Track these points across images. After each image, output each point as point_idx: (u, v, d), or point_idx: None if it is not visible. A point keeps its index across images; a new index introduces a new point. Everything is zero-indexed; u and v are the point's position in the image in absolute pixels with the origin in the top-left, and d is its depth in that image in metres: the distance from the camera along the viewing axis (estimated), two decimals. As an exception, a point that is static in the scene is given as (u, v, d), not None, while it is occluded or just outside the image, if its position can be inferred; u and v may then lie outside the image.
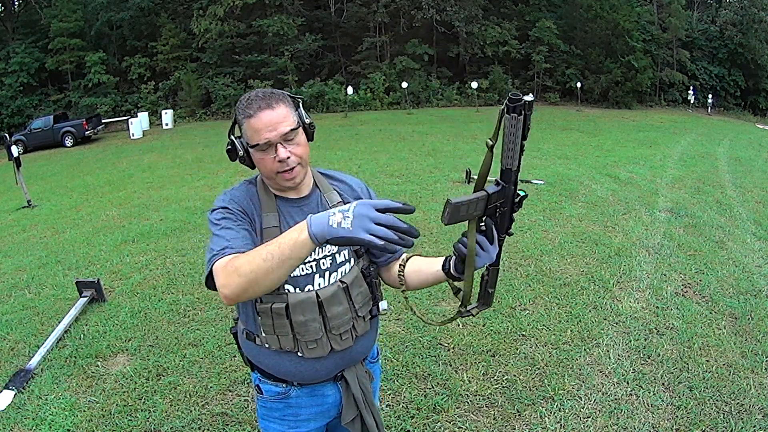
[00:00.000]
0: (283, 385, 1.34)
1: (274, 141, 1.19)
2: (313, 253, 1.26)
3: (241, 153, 1.26)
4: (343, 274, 1.32)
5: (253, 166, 1.28)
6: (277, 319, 1.24)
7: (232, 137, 1.27)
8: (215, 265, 1.14)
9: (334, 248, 1.31)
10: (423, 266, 1.31)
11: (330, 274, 1.30)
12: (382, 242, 0.94)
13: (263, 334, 1.27)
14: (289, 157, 1.21)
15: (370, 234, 0.94)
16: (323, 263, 1.30)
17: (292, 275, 1.24)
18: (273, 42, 22.58)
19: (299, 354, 1.28)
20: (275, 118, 1.19)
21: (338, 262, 1.32)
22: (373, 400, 1.41)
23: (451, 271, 1.19)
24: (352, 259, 1.35)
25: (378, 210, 0.95)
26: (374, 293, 1.38)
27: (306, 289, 1.26)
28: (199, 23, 22.11)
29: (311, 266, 1.28)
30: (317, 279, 1.28)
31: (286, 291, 1.25)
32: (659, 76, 25.22)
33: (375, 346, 1.49)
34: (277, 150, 1.20)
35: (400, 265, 1.34)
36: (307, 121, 1.27)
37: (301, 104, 1.28)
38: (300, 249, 1.01)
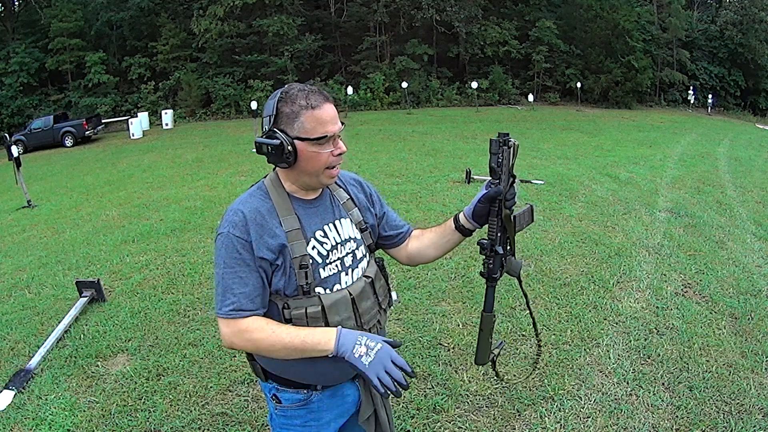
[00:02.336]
0: (305, 391, 1.32)
1: (337, 134, 1.22)
2: (336, 251, 1.29)
3: (290, 149, 1.19)
4: (363, 269, 1.35)
5: (289, 164, 1.21)
6: (313, 322, 1.22)
7: (276, 130, 1.19)
8: (229, 324, 1.20)
9: (354, 245, 1.34)
10: (436, 239, 1.41)
11: (353, 271, 1.32)
12: (382, 389, 1.12)
13: None
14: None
15: (377, 378, 1.12)
16: (347, 260, 1.32)
17: (321, 277, 1.26)
18: (273, 42, 22.58)
19: (330, 355, 1.26)
20: (335, 111, 1.23)
21: (358, 258, 1.35)
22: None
23: (465, 223, 1.36)
24: (368, 254, 1.39)
25: (394, 363, 1.14)
26: (388, 284, 1.43)
27: (335, 289, 1.27)
28: (199, 23, 22.10)
29: (336, 265, 1.29)
30: (343, 277, 1.30)
31: (318, 293, 1.24)
32: (659, 76, 25.23)
33: None
34: (336, 143, 1.23)
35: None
36: None
37: None
38: (318, 353, 1.17)
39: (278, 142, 1.18)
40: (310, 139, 1.19)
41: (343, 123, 1.25)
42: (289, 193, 1.28)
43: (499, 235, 1.27)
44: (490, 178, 1.28)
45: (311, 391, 1.32)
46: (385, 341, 1.17)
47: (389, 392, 1.12)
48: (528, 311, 1.47)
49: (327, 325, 1.24)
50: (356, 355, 1.14)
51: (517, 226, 1.31)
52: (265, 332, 1.18)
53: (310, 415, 1.34)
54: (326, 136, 1.19)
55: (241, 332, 1.18)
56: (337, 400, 1.36)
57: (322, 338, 1.16)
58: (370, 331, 1.33)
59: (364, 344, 1.15)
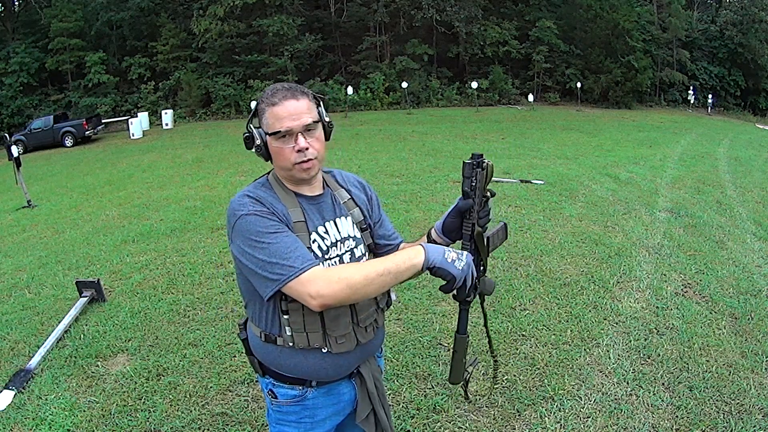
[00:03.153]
0: (300, 387, 1.33)
1: (296, 130, 1.23)
2: (335, 248, 1.31)
3: (258, 142, 1.26)
4: None
5: (267, 158, 1.29)
6: (309, 315, 1.24)
7: (251, 126, 1.28)
8: (309, 274, 1.14)
9: (353, 243, 1.35)
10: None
11: None
12: (467, 289, 1.19)
13: (288, 333, 1.26)
14: (307, 148, 1.25)
15: (467, 281, 1.18)
16: (345, 258, 1.33)
17: None
18: (273, 42, 22.58)
19: (324, 350, 1.28)
20: (299, 108, 1.23)
21: (357, 257, 1.36)
22: (385, 394, 1.44)
23: (436, 238, 1.33)
24: (367, 253, 1.40)
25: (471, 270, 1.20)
26: None
27: None
28: (199, 23, 22.11)
29: (335, 262, 1.30)
30: None
31: None
32: (659, 76, 25.25)
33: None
34: (296, 139, 1.23)
35: None
36: (327, 119, 1.31)
37: (322, 103, 1.32)
38: (412, 270, 1.17)
39: (247, 134, 1.28)
40: (270, 133, 1.24)
41: (317, 121, 1.26)
42: (291, 189, 1.31)
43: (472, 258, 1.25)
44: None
45: (306, 388, 1.33)
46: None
47: (466, 295, 1.20)
48: (485, 330, 1.43)
49: (322, 320, 1.25)
50: (449, 260, 1.16)
51: (491, 246, 1.29)
52: (350, 269, 1.16)
53: (305, 411, 1.35)
54: (280, 131, 1.22)
55: (328, 276, 1.14)
56: (333, 398, 1.37)
57: (410, 255, 1.17)
58: (365, 330, 1.33)
59: (453, 252, 1.18)
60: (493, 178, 1.26)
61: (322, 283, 1.13)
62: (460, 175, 1.26)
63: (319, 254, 1.28)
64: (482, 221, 1.25)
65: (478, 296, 1.34)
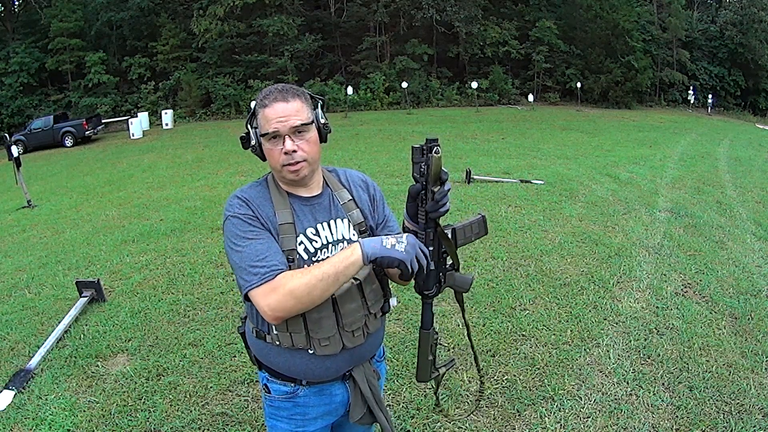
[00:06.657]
0: (292, 385, 1.34)
1: (283, 132, 1.23)
2: (326, 250, 1.30)
3: (253, 142, 1.28)
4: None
5: (263, 158, 1.30)
6: (291, 317, 1.24)
7: (249, 126, 1.30)
8: (261, 288, 1.18)
9: (347, 246, 1.33)
10: None
11: None
12: (417, 267, 1.17)
13: (274, 332, 1.28)
14: (295, 151, 1.24)
15: (420, 261, 1.17)
16: None
17: None
18: (273, 42, 22.58)
19: (310, 351, 1.28)
20: (288, 110, 1.23)
21: None
22: (381, 398, 1.43)
23: (409, 225, 1.27)
24: None
25: (420, 249, 1.19)
26: (385, 290, 1.40)
27: None
28: (199, 23, 22.11)
29: None
30: None
31: None
32: (659, 76, 25.26)
33: (382, 345, 1.51)
34: (284, 142, 1.24)
35: None
36: (323, 121, 1.30)
37: (320, 105, 1.32)
38: (352, 267, 1.17)
39: (243, 134, 1.30)
40: (262, 135, 1.26)
41: (307, 123, 1.24)
42: (285, 189, 1.32)
43: (431, 249, 1.22)
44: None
45: (297, 386, 1.34)
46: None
47: (420, 271, 1.19)
48: (469, 343, 1.44)
49: (304, 321, 1.25)
50: (388, 247, 1.16)
51: (460, 239, 1.24)
52: (296, 278, 1.18)
53: (296, 408, 1.36)
54: (268, 133, 1.23)
55: (277, 290, 1.17)
56: (324, 399, 1.37)
57: (347, 254, 1.17)
58: (353, 335, 1.31)
59: (392, 238, 1.18)
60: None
61: (273, 297, 1.16)
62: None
63: (305, 257, 1.27)
64: (435, 212, 1.19)
65: (457, 302, 1.35)
